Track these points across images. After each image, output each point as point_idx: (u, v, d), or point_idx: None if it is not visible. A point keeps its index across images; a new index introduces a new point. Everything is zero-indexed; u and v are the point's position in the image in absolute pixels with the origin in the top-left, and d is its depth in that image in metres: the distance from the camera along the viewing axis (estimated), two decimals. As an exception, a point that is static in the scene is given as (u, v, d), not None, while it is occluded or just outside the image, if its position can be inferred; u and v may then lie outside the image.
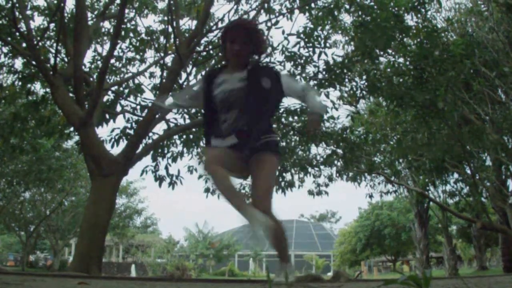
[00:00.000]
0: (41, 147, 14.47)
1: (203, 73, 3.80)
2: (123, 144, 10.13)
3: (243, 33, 3.56)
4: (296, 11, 10.32)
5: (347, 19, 11.12)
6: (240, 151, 3.44)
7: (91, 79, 10.09)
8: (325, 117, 10.88)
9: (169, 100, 4.00)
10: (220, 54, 3.22)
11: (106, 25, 11.82)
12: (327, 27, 10.68)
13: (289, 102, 12.58)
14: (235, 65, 3.61)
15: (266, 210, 3.29)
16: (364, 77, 11.17)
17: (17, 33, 8.83)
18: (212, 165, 3.21)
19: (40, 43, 9.39)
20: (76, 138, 11.44)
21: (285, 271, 3.48)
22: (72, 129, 10.61)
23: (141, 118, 9.90)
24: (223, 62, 3.84)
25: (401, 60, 11.29)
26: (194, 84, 3.92)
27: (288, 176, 13.47)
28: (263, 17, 11.41)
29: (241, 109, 3.48)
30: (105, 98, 10.45)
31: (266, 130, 3.54)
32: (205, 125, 3.81)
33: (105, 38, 11.88)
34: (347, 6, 9.88)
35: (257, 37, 3.65)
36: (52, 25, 10.36)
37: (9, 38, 9.35)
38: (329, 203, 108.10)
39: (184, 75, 10.69)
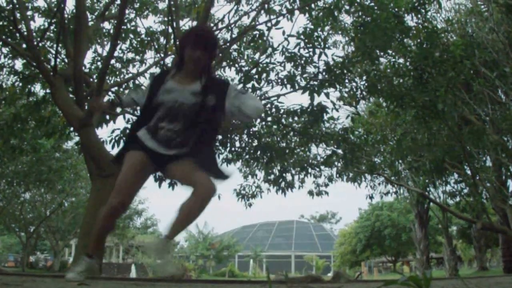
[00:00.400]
0: (41, 147, 14.47)
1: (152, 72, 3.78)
2: (123, 145, 10.14)
3: (207, 41, 3.50)
4: (296, 12, 10.32)
5: (347, 19, 11.10)
6: (160, 160, 3.43)
7: (91, 80, 10.09)
8: (325, 117, 10.87)
9: (128, 95, 3.89)
10: (179, 57, 3.12)
11: (106, 25, 11.83)
12: (327, 27, 10.67)
13: (289, 103, 12.54)
14: (189, 73, 3.53)
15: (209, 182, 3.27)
16: (364, 77, 11.16)
17: (17, 34, 8.83)
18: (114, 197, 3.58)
19: (40, 44, 9.40)
20: (76, 139, 11.45)
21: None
22: (72, 129, 10.62)
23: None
24: (174, 66, 3.74)
25: (401, 60, 11.29)
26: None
27: (288, 177, 13.47)
28: (263, 18, 11.43)
29: (186, 124, 3.42)
30: (105, 99, 10.44)
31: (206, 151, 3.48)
32: (136, 123, 3.71)
33: (105, 39, 11.88)
34: (347, 7, 9.87)
35: (215, 48, 3.64)
36: (52, 26, 10.36)
37: (9, 39, 9.34)
38: (329, 204, 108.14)
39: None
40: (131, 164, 3.45)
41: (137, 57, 12.14)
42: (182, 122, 3.41)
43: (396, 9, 9.58)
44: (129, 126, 10.56)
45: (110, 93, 10.73)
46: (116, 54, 11.36)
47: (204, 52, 3.45)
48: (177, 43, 8.90)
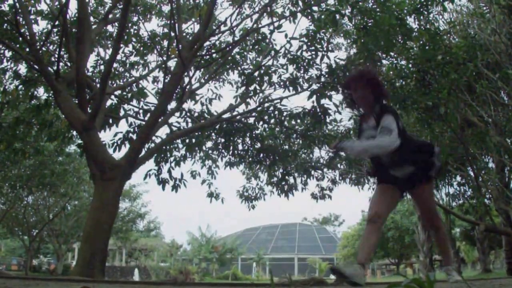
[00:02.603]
0: (43, 149, 14.50)
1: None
2: (125, 148, 10.17)
3: (350, 81, 4.06)
4: (299, 14, 10.33)
5: (349, 22, 11.11)
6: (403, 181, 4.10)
7: (94, 83, 10.12)
8: (328, 120, 10.88)
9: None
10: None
11: (109, 29, 11.85)
12: (329, 30, 10.67)
13: (291, 105, 12.56)
14: (366, 111, 4.09)
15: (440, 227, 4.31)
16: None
17: (20, 38, 8.85)
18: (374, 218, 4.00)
19: (43, 48, 9.41)
20: (79, 142, 11.47)
21: None
22: (74, 133, 10.65)
23: (143, 123, 9.93)
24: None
25: (403, 62, 11.28)
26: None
27: (291, 179, 13.46)
28: (265, 20, 11.45)
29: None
30: (108, 103, 10.47)
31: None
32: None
33: (108, 42, 11.90)
34: (349, 12, 9.85)
35: (364, 83, 3.96)
36: (55, 30, 10.38)
37: (12, 43, 9.36)
38: (332, 206, 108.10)
39: (186, 79, 10.71)
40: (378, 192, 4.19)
41: (140, 61, 12.17)
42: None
43: (399, 11, 9.58)
44: (131, 130, 10.59)
45: (113, 96, 10.77)
46: (118, 57, 11.39)
47: (354, 90, 3.99)
48: (180, 46, 8.94)
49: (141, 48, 11.95)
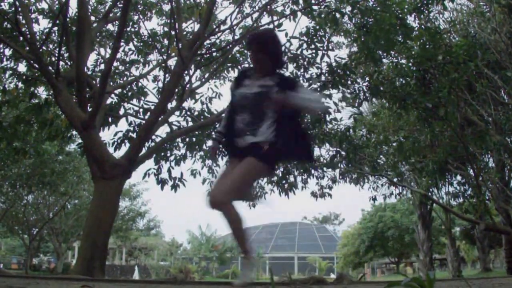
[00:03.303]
0: (44, 152, 14.50)
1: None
2: (125, 147, 10.17)
3: (252, 41, 3.94)
4: (299, 13, 10.32)
5: (349, 21, 11.10)
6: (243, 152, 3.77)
7: (94, 82, 10.11)
8: (328, 118, 10.87)
9: (223, 128, 4.07)
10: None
11: (109, 27, 11.84)
12: (329, 29, 10.66)
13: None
14: (257, 72, 3.94)
15: (216, 201, 3.65)
16: (367, 79, 11.15)
17: (20, 36, 8.84)
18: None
19: (43, 47, 9.41)
20: (79, 141, 11.46)
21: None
22: (74, 132, 10.64)
23: (143, 121, 9.92)
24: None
25: (403, 61, 11.28)
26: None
27: (291, 178, 13.47)
28: (265, 19, 11.44)
29: (254, 112, 3.78)
30: (108, 101, 10.47)
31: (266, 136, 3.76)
32: (225, 121, 4.05)
33: (108, 41, 11.90)
34: (349, 10, 9.84)
35: (261, 46, 3.87)
36: (55, 29, 10.38)
37: (12, 41, 9.35)
38: (332, 205, 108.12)
39: (186, 78, 10.71)
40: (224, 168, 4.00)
41: (141, 59, 12.16)
42: (248, 112, 3.79)
43: (399, 10, 9.58)
44: (131, 129, 10.59)
45: (113, 95, 10.76)
46: (119, 56, 11.38)
47: (253, 52, 3.89)
48: (180, 45, 8.94)
49: (142, 47, 11.94)
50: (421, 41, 10.18)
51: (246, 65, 11.76)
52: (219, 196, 3.65)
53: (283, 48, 4.01)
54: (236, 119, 3.82)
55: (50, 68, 8.56)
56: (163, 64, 10.87)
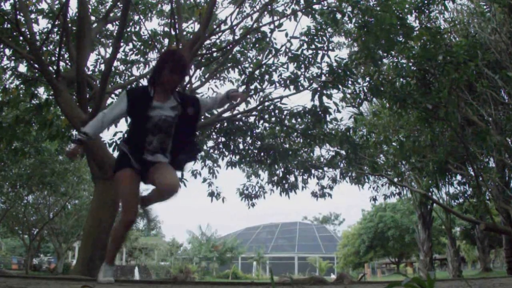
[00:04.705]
0: (44, 151, 14.48)
1: (125, 92, 4.13)
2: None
3: (183, 68, 4.09)
4: (299, 13, 10.32)
5: (349, 21, 11.10)
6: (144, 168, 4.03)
7: (94, 82, 10.11)
8: (328, 118, 10.87)
9: (91, 130, 4.05)
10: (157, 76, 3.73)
11: (109, 27, 11.84)
12: (330, 29, 10.66)
13: (292, 104, 12.52)
14: (164, 91, 4.07)
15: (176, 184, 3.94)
16: (367, 79, 11.15)
17: (21, 37, 8.84)
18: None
19: (43, 47, 9.40)
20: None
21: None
22: (75, 132, 10.63)
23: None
24: (149, 85, 4.13)
25: (404, 61, 11.28)
26: (112, 107, 4.13)
27: (291, 178, 13.47)
28: (266, 19, 11.43)
29: (167, 134, 4.05)
30: (108, 101, 10.46)
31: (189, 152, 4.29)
32: (134, 139, 4.15)
33: (108, 41, 11.89)
34: (350, 11, 9.83)
35: (188, 71, 4.12)
36: (55, 29, 10.37)
37: (12, 42, 9.35)
38: (332, 205, 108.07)
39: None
40: (129, 182, 4.03)
41: (141, 59, 12.15)
42: (164, 133, 4.02)
43: (399, 10, 9.57)
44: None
45: (113, 95, 10.75)
46: (119, 56, 11.38)
47: (180, 76, 4.07)
48: (180, 45, 8.93)
49: (142, 47, 11.93)
50: (422, 41, 10.18)
51: (246, 65, 11.79)
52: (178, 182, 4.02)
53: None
54: (150, 138, 4.00)
55: (50, 68, 8.56)
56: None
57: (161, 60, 4.08)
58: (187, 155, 4.24)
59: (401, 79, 11.45)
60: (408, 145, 13.42)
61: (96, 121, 4.07)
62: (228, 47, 11.02)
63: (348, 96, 11.51)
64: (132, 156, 3.99)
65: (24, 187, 21.61)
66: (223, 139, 12.12)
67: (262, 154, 12.15)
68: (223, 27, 11.29)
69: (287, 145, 12.56)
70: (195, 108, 4.17)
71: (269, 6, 10.63)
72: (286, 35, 10.26)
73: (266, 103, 11.12)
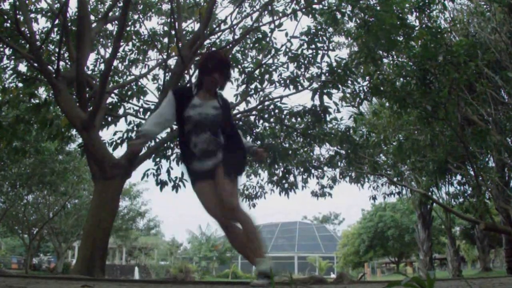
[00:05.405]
0: (44, 150, 14.47)
1: (170, 91, 4.14)
2: (125, 147, 10.15)
3: (227, 67, 4.08)
4: (299, 13, 10.31)
5: (350, 21, 11.10)
6: (213, 171, 3.99)
7: (94, 82, 10.11)
8: (328, 118, 10.87)
9: (147, 133, 4.10)
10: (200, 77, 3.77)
11: (109, 27, 11.83)
12: (330, 29, 10.66)
13: (292, 104, 12.51)
14: (208, 92, 4.08)
15: (234, 207, 3.90)
16: (367, 78, 11.15)
17: (20, 36, 8.84)
18: (218, 216, 4.05)
19: (43, 46, 9.40)
20: (79, 141, 11.45)
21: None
22: (74, 131, 10.63)
23: (143, 121, 9.90)
24: (194, 85, 4.17)
25: (404, 60, 11.27)
26: (163, 107, 4.13)
27: (291, 178, 13.47)
28: (266, 19, 11.43)
29: (212, 133, 3.98)
30: (108, 101, 10.46)
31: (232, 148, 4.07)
32: (183, 143, 4.17)
33: (108, 40, 11.89)
34: (349, 10, 9.82)
35: (229, 71, 4.15)
36: (55, 28, 10.37)
37: (12, 41, 9.35)
38: (332, 205, 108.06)
39: (187, 77, 10.71)
40: (203, 194, 4.08)
41: (140, 57, 12.15)
42: (209, 133, 3.96)
43: (399, 10, 9.57)
44: (130, 128, 10.55)
45: (113, 95, 10.75)
46: (119, 55, 11.37)
47: (221, 75, 4.02)
48: (180, 45, 8.92)
49: (142, 46, 11.93)
50: (423, 40, 10.17)
51: (246, 64, 11.78)
52: (235, 202, 3.94)
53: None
54: (194, 140, 3.99)
55: (50, 67, 8.55)
56: (163, 64, 10.86)
57: (203, 60, 4.14)
58: (236, 158, 4.10)
59: (401, 79, 11.44)
60: (407, 145, 13.42)
61: (149, 118, 4.26)
62: (228, 47, 11.02)
63: (348, 95, 11.51)
64: (188, 168, 4.11)
65: (24, 187, 21.60)
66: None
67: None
68: (223, 26, 11.29)
69: (287, 145, 12.55)
70: (228, 110, 4.23)
71: (269, 6, 10.63)
72: (286, 34, 10.27)
73: (266, 103, 11.11)
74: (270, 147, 11.80)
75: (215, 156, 3.96)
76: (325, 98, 10.04)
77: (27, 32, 8.61)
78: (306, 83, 10.61)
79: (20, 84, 10.39)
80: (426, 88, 10.78)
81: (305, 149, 13.27)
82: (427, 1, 10.12)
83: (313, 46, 10.13)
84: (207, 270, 45.04)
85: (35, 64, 8.59)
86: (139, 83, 11.54)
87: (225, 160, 3.96)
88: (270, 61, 11.02)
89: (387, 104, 12.53)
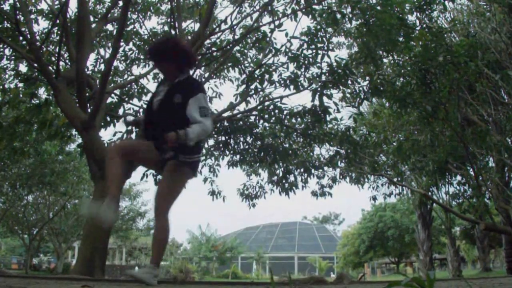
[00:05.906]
0: (44, 152, 14.47)
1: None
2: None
3: (149, 54, 4.18)
4: (299, 13, 10.32)
5: (349, 22, 11.10)
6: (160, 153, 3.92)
7: (94, 82, 10.10)
8: (328, 118, 10.87)
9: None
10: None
11: (109, 27, 11.83)
12: (330, 29, 10.66)
13: (292, 104, 12.52)
14: (167, 79, 4.07)
15: (159, 211, 3.92)
16: (367, 78, 11.15)
17: (20, 36, 8.84)
18: (112, 153, 3.78)
19: (43, 47, 9.40)
20: (79, 141, 11.44)
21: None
22: (74, 131, 10.62)
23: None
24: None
25: (404, 59, 11.27)
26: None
27: (291, 178, 13.47)
28: (266, 19, 11.43)
29: (155, 120, 3.92)
30: (108, 101, 10.45)
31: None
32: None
33: (108, 40, 11.89)
34: (349, 11, 9.82)
35: (160, 56, 4.01)
36: (55, 28, 10.37)
37: (12, 41, 9.35)
38: (332, 205, 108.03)
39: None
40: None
41: (140, 56, 12.14)
42: (153, 118, 3.95)
43: (400, 10, 9.57)
44: (130, 128, 10.55)
45: (113, 95, 10.75)
46: (119, 55, 11.37)
47: (157, 63, 4.11)
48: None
49: (141, 46, 11.92)
50: (423, 40, 10.17)
51: (246, 64, 11.77)
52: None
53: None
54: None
55: (50, 68, 8.55)
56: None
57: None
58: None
59: (401, 79, 11.44)
60: (407, 145, 13.41)
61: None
62: (228, 47, 11.02)
63: (348, 96, 11.51)
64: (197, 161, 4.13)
65: (24, 187, 21.58)
66: (223, 138, 12.11)
67: (262, 153, 12.14)
68: (223, 26, 11.30)
69: (287, 145, 12.55)
70: (184, 98, 3.81)
71: (269, 6, 10.63)
72: (286, 35, 10.27)
73: (266, 103, 11.12)
74: (271, 147, 11.81)
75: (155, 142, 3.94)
76: (325, 98, 10.04)
77: (27, 32, 8.61)
78: (306, 84, 10.61)
79: (20, 84, 10.39)
80: (426, 88, 10.79)
81: (305, 149, 13.27)
82: (427, 1, 10.12)
83: (313, 46, 10.13)
84: (207, 270, 45.04)
85: (35, 64, 8.58)
86: (139, 83, 11.55)
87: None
88: (270, 61, 11.02)
89: (387, 104, 12.53)
